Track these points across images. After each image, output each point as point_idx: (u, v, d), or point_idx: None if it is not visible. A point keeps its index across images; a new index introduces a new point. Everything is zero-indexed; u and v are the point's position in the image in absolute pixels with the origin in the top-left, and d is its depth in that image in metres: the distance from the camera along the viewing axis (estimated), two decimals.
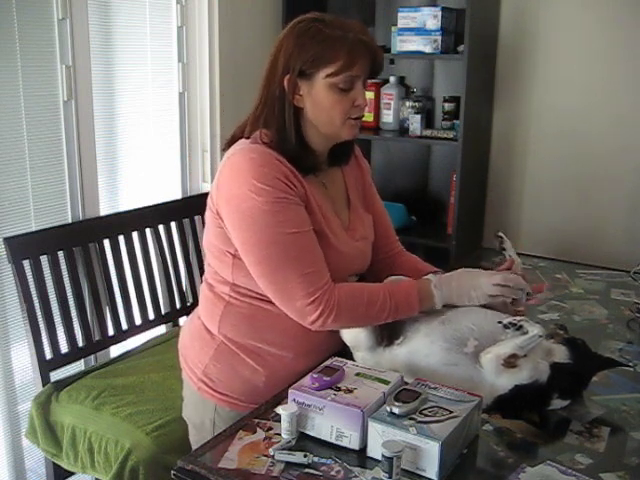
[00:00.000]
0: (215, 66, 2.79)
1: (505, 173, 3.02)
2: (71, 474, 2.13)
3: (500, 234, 1.53)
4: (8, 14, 2.07)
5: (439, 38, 2.75)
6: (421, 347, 1.31)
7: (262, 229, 1.30)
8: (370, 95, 3.09)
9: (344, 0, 3.24)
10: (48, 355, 2.14)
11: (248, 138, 1.39)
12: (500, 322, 1.28)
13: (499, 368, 1.24)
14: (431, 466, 1.06)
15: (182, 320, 2.65)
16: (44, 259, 2.16)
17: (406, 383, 1.23)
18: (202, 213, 1.48)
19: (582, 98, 2.78)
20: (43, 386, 2.11)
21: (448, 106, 2.93)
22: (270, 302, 1.37)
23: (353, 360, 1.36)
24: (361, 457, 1.13)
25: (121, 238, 2.41)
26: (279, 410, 1.19)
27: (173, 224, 2.63)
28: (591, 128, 2.79)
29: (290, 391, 1.20)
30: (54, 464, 2.08)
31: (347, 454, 1.14)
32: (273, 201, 1.29)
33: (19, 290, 2.08)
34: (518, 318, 1.26)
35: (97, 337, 2.33)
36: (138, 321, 2.46)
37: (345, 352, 1.41)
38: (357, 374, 1.24)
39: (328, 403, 1.15)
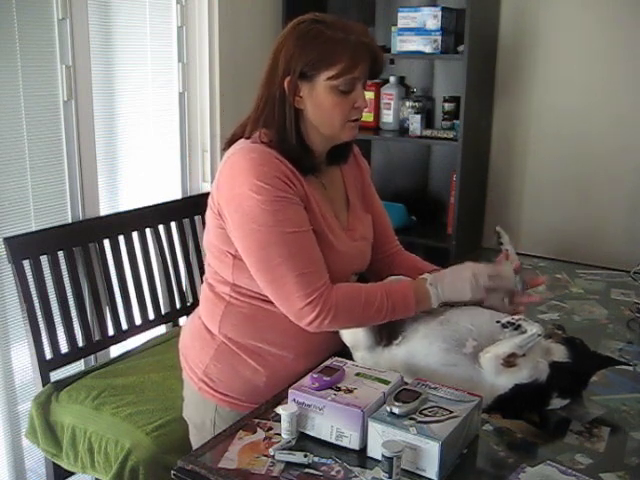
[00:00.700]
0: (215, 66, 2.79)
1: (505, 173, 3.02)
2: (71, 474, 2.13)
3: (498, 229, 1.53)
4: (8, 14, 2.07)
5: (439, 38, 2.75)
6: (420, 347, 1.31)
7: (261, 228, 1.30)
8: (370, 95, 3.09)
9: (344, 0, 3.24)
10: (48, 355, 2.14)
11: (248, 138, 1.39)
12: (498, 322, 1.28)
13: (498, 368, 1.24)
14: (431, 466, 1.06)
15: (182, 320, 2.65)
16: (44, 259, 2.16)
17: (406, 383, 1.23)
18: (202, 213, 1.48)
19: (582, 98, 2.79)
20: (43, 386, 2.11)
21: (448, 106, 2.93)
22: (271, 302, 1.37)
23: (353, 360, 1.36)
24: (361, 457, 1.13)
25: (121, 238, 2.41)
26: (279, 410, 1.19)
27: (173, 224, 2.64)
28: (591, 128, 2.79)
29: (290, 391, 1.20)
30: (54, 464, 2.08)
31: (347, 454, 1.14)
32: (272, 200, 1.29)
33: (19, 290, 2.08)
34: (516, 317, 1.27)
35: (97, 337, 2.33)
36: (138, 321, 2.46)
37: (345, 352, 1.41)
38: (357, 374, 1.24)
39: (328, 403, 1.15)
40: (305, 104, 1.36)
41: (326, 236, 1.38)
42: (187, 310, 2.64)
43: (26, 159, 2.19)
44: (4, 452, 2.25)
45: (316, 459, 1.12)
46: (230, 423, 1.26)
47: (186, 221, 2.70)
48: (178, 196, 2.81)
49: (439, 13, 2.74)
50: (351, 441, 1.14)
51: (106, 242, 2.37)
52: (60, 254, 2.21)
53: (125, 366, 2.26)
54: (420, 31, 2.78)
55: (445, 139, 2.85)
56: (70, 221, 2.35)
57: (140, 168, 2.65)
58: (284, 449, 1.14)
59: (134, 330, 2.44)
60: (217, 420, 1.45)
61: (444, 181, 3.08)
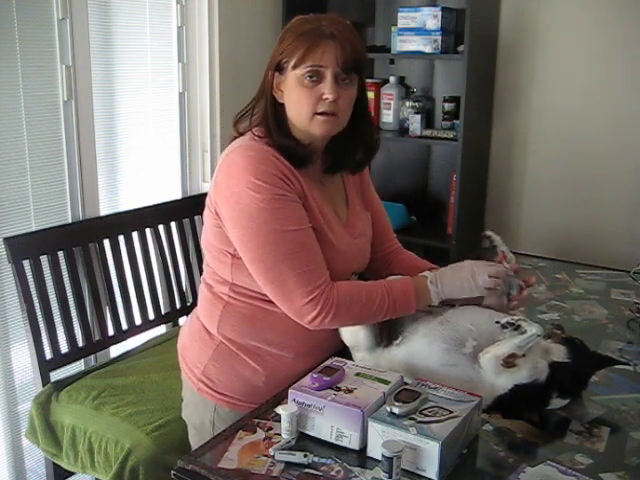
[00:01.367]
0: (215, 66, 2.79)
1: (505, 173, 3.02)
2: (71, 474, 2.13)
3: (487, 233, 1.54)
4: (8, 14, 2.07)
5: (439, 38, 2.75)
6: (420, 348, 1.31)
7: (260, 226, 1.30)
8: (370, 95, 3.09)
9: (344, 0, 3.24)
10: (48, 355, 2.14)
11: (242, 134, 1.40)
12: (498, 322, 1.28)
13: (498, 368, 1.24)
14: (431, 466, 1.06)
15: (182, 320, 2.65)
16: (44, 259, 2.16)
17: (406, 383, 1.23)
18: (202, 213, 1.48)
19: (582, 98, 2.79)
20: (43, 386, 2.11)
21: (448, 106, 2.93)
22: (270, 302, 1.37)
23: (353, 360, 1.36)
24: (361, 457, 1.13)
25: (121, 238, 2.41)
26: (279, 410, 1.19)
27: (173, 224, 2.64)
28: (591, 128, 2.79)
29: (290, 391, 1.20)
30: (54, 464, 2.08)
31: (347, 454, 1.14)
32: (271, 198, 1.29)
33: (19, 290, 2.08)
34: (516, 318, 1.27)
35: (97, 337, 2.33)
36: (138, 321, 2.46)
37: (345, 352, 1.41)
38: (357, 374, 1.24)
39: (328, 403, 1.15)
40: (284, 98, 1.37)
41: (325, 234, 1.38)
42: (187, 310, 2.64)
43: (26, 159, 2.19)
44: (4, 452, 2.25)
45: (316, 459, 1.12)
46: (229, 423, 1.26)
47: (186, 221, 2.70)
48: (178, 196, 2.81)
49: (439, 13, 2.74)
50: (351, 441, 1.14)
51: (106, 242, 2.37)
52: (60, 254, 2.21)
53: (125, 366, 2.26)
54: (420, 31, 2.78)
55: (445, 139, 2.85)
56: (70, 221, 2.35)
57: (140, 168, 2.65)
58: (284, 449, 1.14)
59: (134, 330, 2.44)
60: (216, 420, 1.44)
61: (444, 181, 3.08)
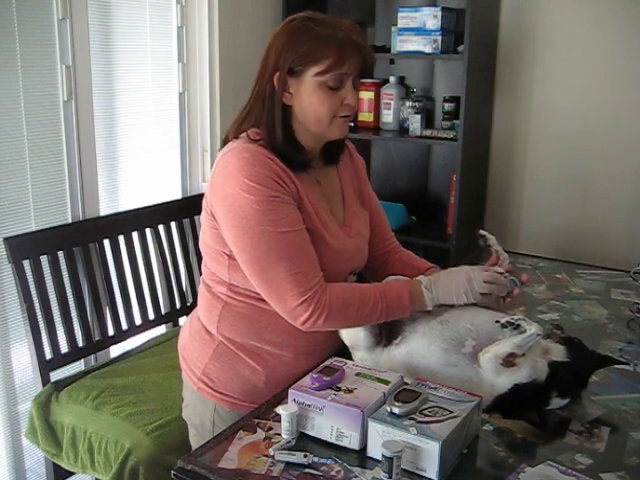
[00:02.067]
0: (215, 66, 2.79)
1: (505, 173, 3.02)
2: (71, 474, 2.13)
3: (481, 232, 1.53)
4: (8, 14, 2.07)
5: (439, 38, 2.75)
6: (419, 347, 1.32)
7: (254, 228, 1.30)
8: (370, 95, 3.10)
9: (344, 0, 3.24)
10: (48, 355, 2.14)
11: (237, 137, 1.39)
12: (498, 321, 1.28)
13: (498, 367, 1.24)
14: (431, 466, 1.06)
15: (182, 320, 2.65)
16: (44, 259, 2.16)
17: (406, 383, 1.23)
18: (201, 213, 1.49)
19: (582, 98, 2.79)
20: (43, 386, 2.11)
21: (448, 106, 2.93)
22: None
23: (353, 360, 1.36)
24: (361, 457, 1.13)
25: (121, 238, 2.41)
26: (279, 410, 1.19)
27: (173, 224, 2.64)
28: (591, 128, 2.79)
29: (290, 391, 1.20)
30: (54, 464, 2.08)
31: (347, 454, 1.14)
32: (265, 200, 1.29)
33: (19, 290, 2.08)
34: (515, 317, 1.27)
35: (97, 337, 2.33)
36: (138, 321, 2.46)
37: (345, 352, 1.41)
38: (357, 374, 1.24)
39: (328, 403, 1.15)
40: (294, 101, 1.36)
41: (321, 234, 1.38)
42: (187, 310, 2.64)
43: (26, 159, 2.19)
44: (4, 452, 2.25)
45: (316, 459, 1.12)
46: (229, 423, 1.27)
47: (186, 221, 2.70)
48: (178, 196, 2.81)
49: (439, 13, 2.74)
50: (351, 441, 1.14)
51: (106, 242, 2.37)
52: (60, 254, 2.21)
53: (125, 366, 2.26)
54: (420, 31, 2.78)
55: (445, 139, 2.85)
56: (70, 221, 2.35)
57: (140, 168, 2.65)
58: (284, 449, 1.14)
59: (134, 330, 2.44)
60: (216, 420, 1.45)
61: (444, 181, 3.08)
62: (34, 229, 2.21)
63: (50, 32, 2.21)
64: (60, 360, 2.19)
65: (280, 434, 1.18)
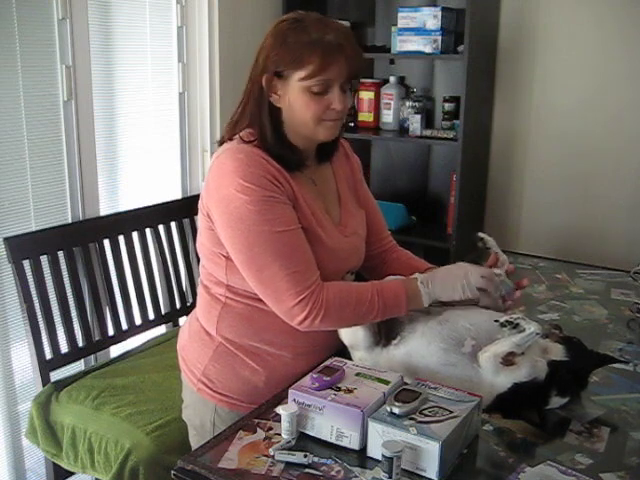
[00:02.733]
0: (215, 66, 2.79)
1: (505, 173, 3.02)
2: (71, 474, 2.13)
3: (480, 235, 1.54)
4: (8, 14, 2.07)
5: (439, 38, 2.75)
6: (418, 347, 1.31)
7: (249, 228, 1.30)
8: (370, 95, 3.10)
9: (344, 0, 3.24)
10: (48, 355, 2.14)
11: (231, 139, 1.39)
12: (497, 321, 1.28)
13: (497, 367, 1.24)
14: (431, 466, 1.06)
15: (182, 320, 2.65)
16: (44, 259, 2.16)
17: (406, 383, 1.23)
18: None
19: (582, 98, 2.79)
20: (43, 386, 2.11)
21: (448, 106, 2.93)
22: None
23: (352, 360, 1.36)
24: (361, 457, 1.13)
25: (121, 238, 2.41)
26: (279, 410, 1.19)
27: (173, 224, 2.64)
28: (591, 128, 2.79)
29: (290, 391, 1.20)
30: (54, 464, 2.08)
31: (347, 454, 1.14)
32: (259, 200, 1.29)
33: (19, 290, 2.08)
34: (514, 316, 1.27)
35: (97, 337, 2.33)
36: (138, 321, 2.46)
37: (345, 352, 1.41)
38: (357, 374, 1.24)
39: (328, 403, 1.15)
40: (282, 102, 1.36)
41: (316, 233, 1.38)
42: (187, 310, 2.64)
43: (26, 159, 2.19)
44: (4, 452, 2.25)
45: (316, 459, 1.12)
46: (229, 424, 1.26)
47: (186, 221, 2.70)
48: (178, 196, 2.81)
49: (439, 13, 2.74)
50: (351, 441, 1.14)
51: (106, 242, 2.37)
52: (60, 254, 2.21)
53: (125, 366, 2.26)
54: (420, 31, 2.78)
55: (445, 139, 2.85)
56: (70, 221, 2.35)
57: (140, 168, 2.65)
58: (284, 449, 1.14)
59: (134, 330, 2.44)
60: (216, 421, 1.44)
61: (444, 181, 3.08)
62: (34, 229, 2.22)
63: (50, 32, 2.21)
64: (60, 360, 2.19)
65: (280, 434, 1.18)
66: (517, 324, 1.25)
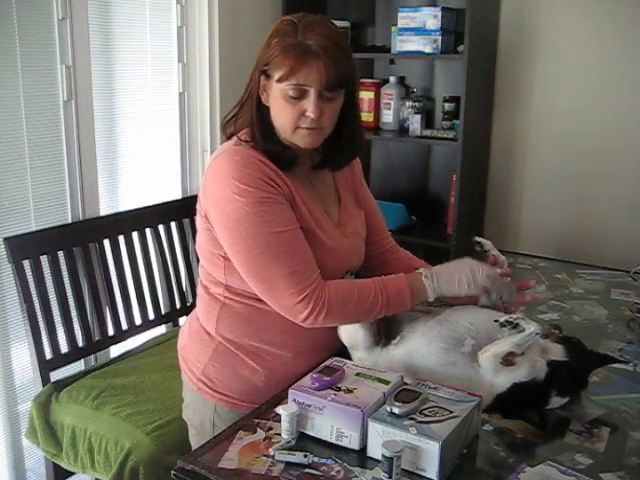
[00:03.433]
0: (215, 66, 2.79)
1: (505, 173, 3.02)
2: (71, 474, 2.13)
3: (477, 238, 1.54)
4: (8, 14, 2.07)
5: (439, 38, 2.75)
6: (418, 347, 1.32)
7: (247, 230, 1.30)
8: (370, 95, 3.10)
9: (344, 0, 3.24)
10: (48, 355, 2.14)
11: (230, 137, 1.39)
12: (497, 321, 1.28)
13: (497, 366, 1.24)
14: (431, 466, 1.06)
15: (182, 320, 2.65)
16: (44, 259, 2.16)
17: (406, 383, 1.23)
18: None
19: (582, 97, 2.79)
20: (43, 386, 2.11)
21: (448, 106, 2.93)
22: (265, 302, 1.37)
23: (352, 360, 1.36)
24: (361, 457, 1.13)
25: (121, 238, 2.41)
26: (279, 410, 1.19)
27: (173, 224, 2.64)
28: (591, 128, 2.79)
29: (290, 391, 1.20)
30: (54, 464, 2.08)
31: (347, 454, 1.14)
32: (257, 202, 1.29)
33: (19, 290, 2.08)
34: (514, 316, 1.27)
35: (97, 337, 2.33)
36: (138, 321, 2.46)
37: (345, 351, 1.41)
38: (357, 374, 1.24)
39: (328, 403, 1.15)
40: (269, 102, 1.36)
41: (315, 233, 1.38)
42: (187, 310, 2.64)
43: (26, 159, 2.19)
44: (4, 452, 2.25)
45: (316, 459, 1.12)
46: (229, 423, 1.26)
47: (186, 221, 2.70)
48: (178, 196, 2.81)
49: (439, 13, 2.74)
50: (351, 441, 1.14)
51: (106, 242, 2.37)
52: (60, 254, 2.21)
53: (125, 366, 2.26)
54: (420, 31, 2.78)
55: (445, 139, 2.85)
56: (70, 221, 2.35)
57: (140, 168, 2.65)
58: (284, 449, 1.14)
59: (134, 330, 2.45)
60: (216, 420, 1.45)
61: (444, 181, 3.08)
62: (34, 229, 2.22)
63: (50, 32, 2.21)
64: (60, 360, 2.19)
65: (280, 434, 1.18)
66: (517, 324, 1.25)
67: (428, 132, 2.90)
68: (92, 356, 2.39)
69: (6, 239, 2.06)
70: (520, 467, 1.11)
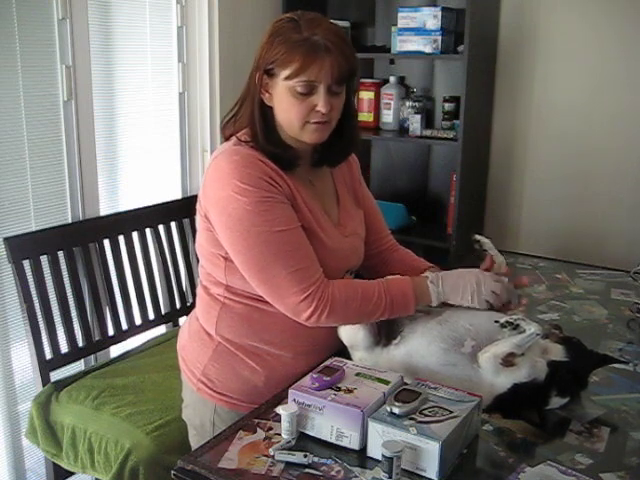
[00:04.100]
0: (215, 66, 2.79)
1: (505, 173, 3.02)
2: (71, 474, 2.13)
3: (476, 237, 1.54)
4: (8, 14, 2.07)
5: (439, 38, 2.75)
6: (418, 347, 1.31)
7: (249, 229, 1.30)
8: (370, 95, 3.10)
9: (344, 0, 3.24)
10: (48, 355, 2.14)
11: (228, 138, 1.39)
12: (497, 321, 1.28)
13: (497, 367, 1.24)
14: (431, 466, 1.06)
15: (182, 320, 2.65)
16: (44, 259, 2.16)
17: (406, 383, 1.23)
18: None
19: (582, 97, 2.79)
20: (43, 386, 2.11)
21: (448, 106, 2.93)
22: (265, 302, 1.37)
23: (352, 360, 1.36)
24: (361, 457, 1.13)
25: (121, 238, 2.41)
26: (279, 410, 1.19)
27: (173, 224, 2.64)
28: (591, 128, 2.79)
29: (290, 391, 1.20)
30: (54, 464, 2.08)
31: (347, 454, 1.14)
32: (257, 201, 1.29)
33: (19, 290, 2.08)
34: (515, 317, 1.27)
35: (97, 337, 2.33)
36: (138, 321, 2.46)
37: (345, 351, 1.41)
38: (357, 374, 1.24)
39: (328, 403, 1.15)
40: (272, 101, 1.36)
41: (316, 233, 1.38)
42: (187, 310, 2.64)
43: (26, 159, 2.19)
44: (4, 452, 2.25)
45: (316, 459, 1.12)
46: (229, 423, 1.26)
47: (186, 221, 2.70)
48: (178, 196, 2.81)
49: (439, 13, 2.74)
50: (351, 441, 1.14)
51: (106, 242, 2.37)
52: (60, 254, 2.21)
53: (125, 366, 2.26)
54: (420, 31, 2.78)
55: (445, 139, 2.85)
56: (70, 221, 2.35)
57: (140, 168, 2.65)
58: (284, 449, 1.14)
59: (134, 330, 2.45)
60: (216, 420, 1.45)
61: (444, 181, 3.08)
62: (34, 229, 2.22)
63: (50, 32, 2.21)
64: (60, 360, 2.19)
65: (280, 434, 1.18)
66: (517, 325, 1.25)
67: (428, 132, 2.90)
68: (92, 356, 2.39)
69: (6, 239, 2.06)
70: (520, 467, 1.11)
